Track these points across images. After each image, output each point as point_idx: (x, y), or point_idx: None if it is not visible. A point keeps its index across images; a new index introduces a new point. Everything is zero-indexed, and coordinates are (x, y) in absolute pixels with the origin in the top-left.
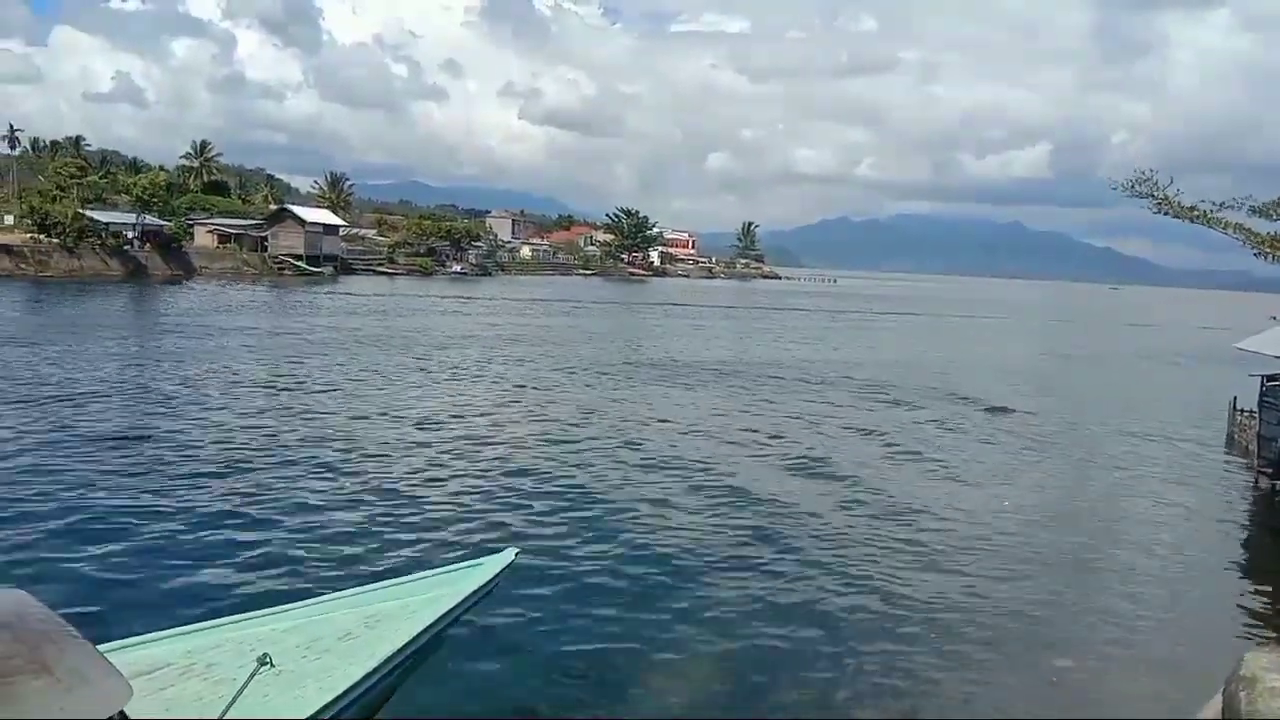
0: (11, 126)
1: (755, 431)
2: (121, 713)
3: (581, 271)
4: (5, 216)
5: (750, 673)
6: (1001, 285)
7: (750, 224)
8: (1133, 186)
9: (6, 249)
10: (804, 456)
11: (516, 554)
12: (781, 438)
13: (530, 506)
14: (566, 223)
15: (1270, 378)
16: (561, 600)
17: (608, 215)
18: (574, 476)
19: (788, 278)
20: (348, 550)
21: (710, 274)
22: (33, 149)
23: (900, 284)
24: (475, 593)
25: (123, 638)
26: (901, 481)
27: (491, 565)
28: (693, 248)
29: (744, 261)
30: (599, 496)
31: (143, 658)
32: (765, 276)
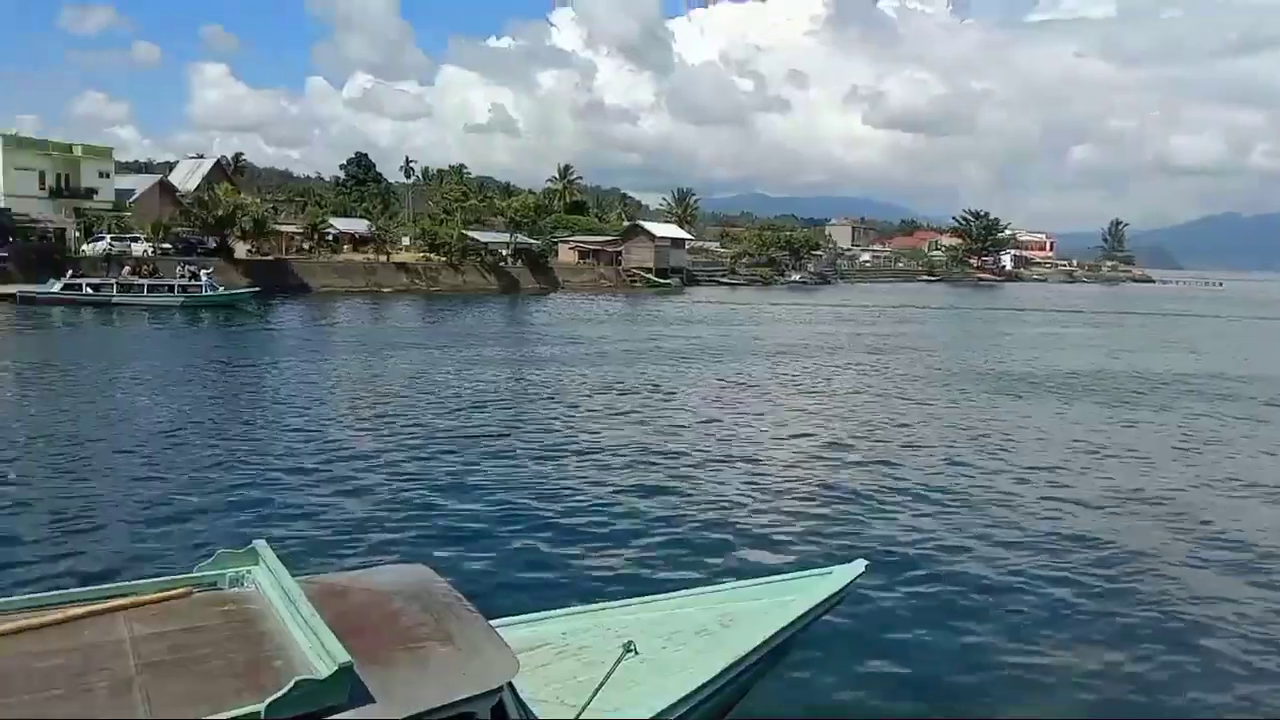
0: (407, 159)
1: (1126, 449)
2: (509, 683)
3: (925, 278)
4: (403, 238)
5: (1122, 705)
6: None
7: (1118, 222)
8: None
9: (403, 266)
10: (1187, 480)
11: (866, 565)
12: (1156, 458)
13: (879, 516)
14: (909, 228)
15: None
16: (910, 615)
17: (954, 218)
18: (922, 487)
19: (1163, 281)
20: (701, 549)
21: (1070, 278)
22: (424, 178)
23: None
24: (825, 601)
25: (508, 615)
26: None
27: (841, 575)
28: (1050, 250)
29: (1110, 264)
30: (949, 508)
31: (525, 635)
32: (1136, 280)
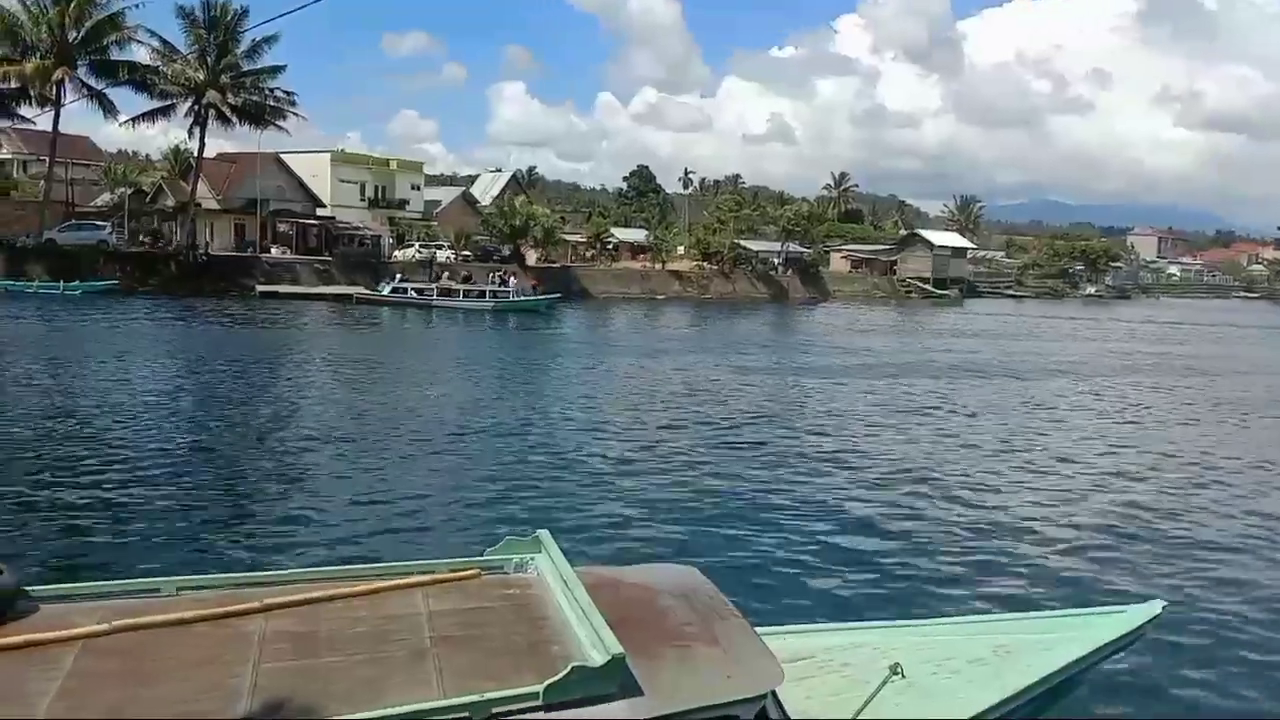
0: (686, 170)
1: None
2: (773, 692)
3: (1243, 294)
4: (678, 247)
5: None
6: None
7: None
8: None
9: (676, 274)
10: None
11: (1164, 607)
12: None
13: (1181, 556)
14: (1225, 240)
15: None
16: (1213, 672)
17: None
18: (1236, 529)
19: None
20: (972, 575)
21: None
22: (700, 188)
23: None
24: (1114, 641)
25: (771, 625)
26: None
27: (1135, 615)
28: None
29: None
30: (1261, 553)
31: (788, 646)
32: None
